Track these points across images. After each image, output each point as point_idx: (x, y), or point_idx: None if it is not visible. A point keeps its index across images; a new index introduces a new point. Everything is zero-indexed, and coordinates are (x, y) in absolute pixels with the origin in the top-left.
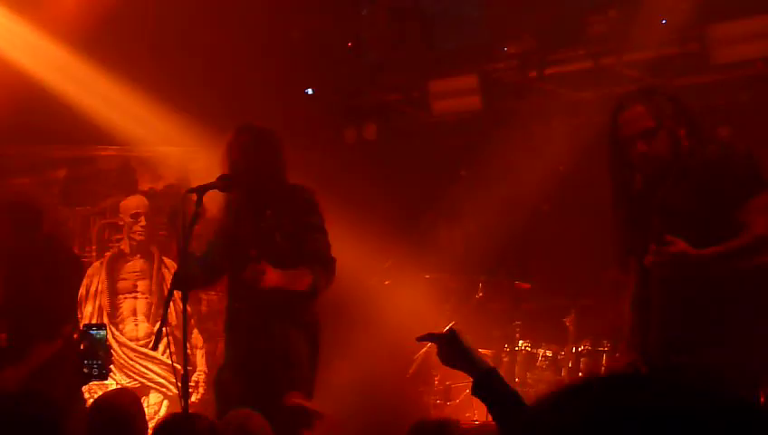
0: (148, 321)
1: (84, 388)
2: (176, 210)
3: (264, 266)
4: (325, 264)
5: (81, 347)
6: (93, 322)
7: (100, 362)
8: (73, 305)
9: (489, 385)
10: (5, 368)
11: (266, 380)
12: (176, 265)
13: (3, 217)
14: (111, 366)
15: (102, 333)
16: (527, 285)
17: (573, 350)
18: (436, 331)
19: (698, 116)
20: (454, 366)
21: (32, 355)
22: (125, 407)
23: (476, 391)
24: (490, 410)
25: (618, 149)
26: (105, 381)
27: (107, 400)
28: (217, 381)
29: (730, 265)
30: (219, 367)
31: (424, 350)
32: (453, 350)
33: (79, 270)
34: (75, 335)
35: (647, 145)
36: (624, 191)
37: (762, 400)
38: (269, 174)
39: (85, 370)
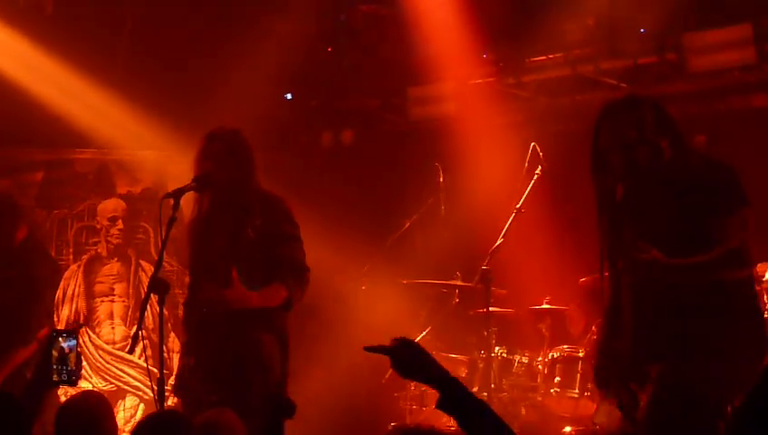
0: (124, 324)
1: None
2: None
3: (227, 294)
4: (300, 273)
5: (52, 352)
6: (66, 326)
7: (70, 369)
8: (50, 309)
9: (454, 398)
10: None
11: (238, 384)
12: (153, 269)
13: None
14: (82, 372)
15: (73, 340)
16: (503, 292)
17: (549, 356)
18: (391, 341)
19: (680, 126)
20: (413, 378)
21: (7, 359)
22: (92, 409)
23: (443, 404)
24: (458, 421)
25: (600, 158)
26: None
27: (74, 402)
28: (183, 387)
29: (700, 277)
30: (181, 366)
31: None
32: (410, 361)
33: (56, 273)
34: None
35: (628, 155)
36: (606, 198)
37: (729, 410)
38: (242, 181)
39: (54, 376)
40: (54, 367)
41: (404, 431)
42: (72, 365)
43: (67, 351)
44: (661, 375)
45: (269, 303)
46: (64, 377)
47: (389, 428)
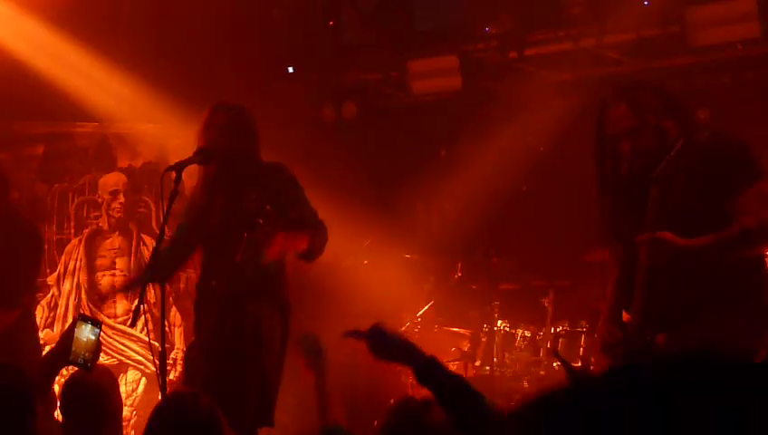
0: (126, 298)
1: None
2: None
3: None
4: (317, 226)
5: (74, 331)
6: (83, 310)
7: (87, 355)
8: (33, 277)
9: (431, 374)
10: None
11: (236, 360)
12: (154, 243)
13: None
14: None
15: (97, 330)
16: (507, 263)
17: (552, 330)
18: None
19: (684, 103)
20: (390, 359)
21: None
22: (99, 383)
23: (421, 380)
24: (437, 397)
25: (604, 147)
26: None
27: (81, 376)
28: (186, 359)
29: (715, 257)
30: (189, 345)
31: (403, 329)
32: (384, 344)
33: (38, 241)
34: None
35: (632, 142)
36: (611, 180)
37: None
38: (245, 155)
39: (71, 356)
40: (73, 349)
41: (405, 406)
42: (90, 353)
43: (87, 339)
44: (668, 342)
45: (295, 243)
46: (80, 361)
47: (391, 403)
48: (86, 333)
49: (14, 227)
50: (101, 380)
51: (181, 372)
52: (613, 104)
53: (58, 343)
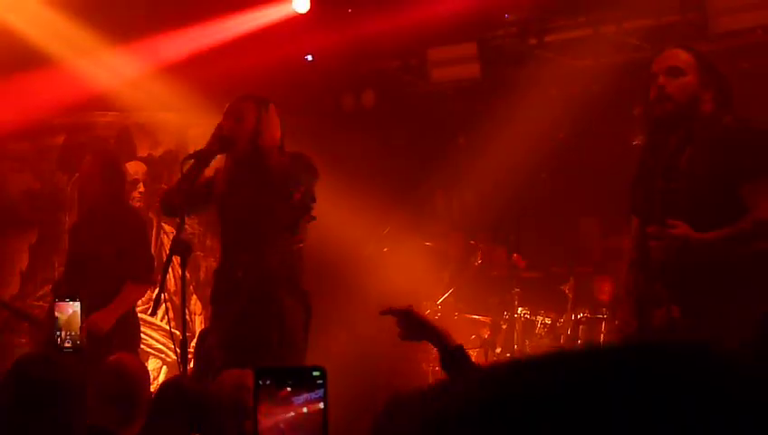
0: None
1: None
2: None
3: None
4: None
5: (55, 316)
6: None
7: (73, 334)
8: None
9: (456, 362)
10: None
11: (259, 348)
12: (174, 231)
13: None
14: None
15: (76, 304)
16: (523, 263)
17: (572, 317)
18: (406, 305)
19: (731, 90)
20: (418, 339)
21: (121, 296)
22: (132, 372)
23: (445, 366)
24: None
25: (646, 87)
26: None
27: (112, 364)
28: (199, 348)
29: (730, 249)
30: (202, 331)
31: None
32: (414, 324)
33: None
34: None
35: (668, 81)
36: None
37: None
38: (268, 148)
39: (58, 341)
40: (57, 333)
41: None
42: (75, 331)
43: (67, 317)
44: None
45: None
46: (68, 343)
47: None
48: (66, 310)
49: (129, 208)
50: (136, 367)
51: (194, 361)
52: (671, 48)
53: (44, 334)
